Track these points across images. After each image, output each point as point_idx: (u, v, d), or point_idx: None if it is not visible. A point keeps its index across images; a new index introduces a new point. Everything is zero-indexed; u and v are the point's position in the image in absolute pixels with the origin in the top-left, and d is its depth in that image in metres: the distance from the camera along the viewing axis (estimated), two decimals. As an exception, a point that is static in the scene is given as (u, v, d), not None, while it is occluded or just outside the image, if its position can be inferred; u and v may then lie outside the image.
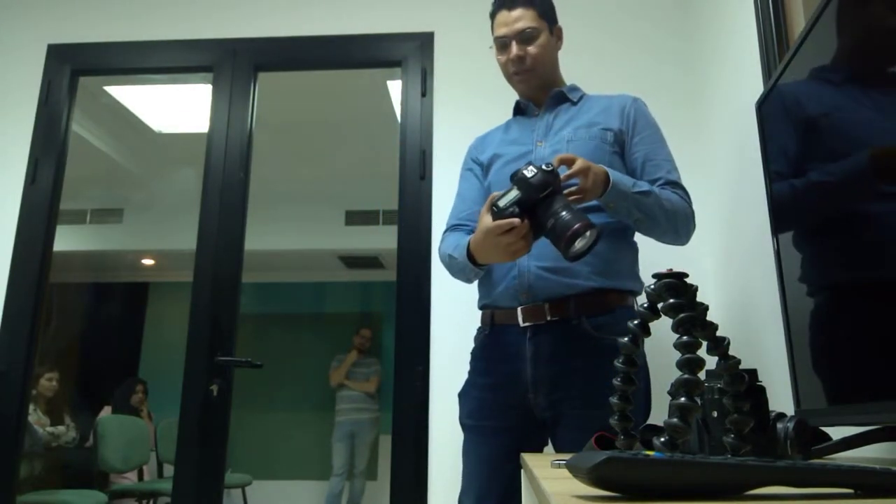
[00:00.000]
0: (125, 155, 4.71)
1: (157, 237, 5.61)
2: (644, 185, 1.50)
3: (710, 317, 0.79)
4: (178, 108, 3.90)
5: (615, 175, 1.44)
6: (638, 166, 1.59)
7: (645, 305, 0.84)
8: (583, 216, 1.27)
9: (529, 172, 1.31)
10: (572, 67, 1.73)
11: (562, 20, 1.74)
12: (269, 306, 6.52)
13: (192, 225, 2.43)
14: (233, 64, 2.57)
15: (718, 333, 0.80)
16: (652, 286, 0.82)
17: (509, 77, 1.72)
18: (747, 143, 1.79)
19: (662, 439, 0.73)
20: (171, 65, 2.67)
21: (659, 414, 1.10)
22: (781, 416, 0.91)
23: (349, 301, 6.69)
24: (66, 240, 3.50)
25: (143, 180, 5.21)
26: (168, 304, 6.62)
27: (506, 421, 1.54)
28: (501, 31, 1.66)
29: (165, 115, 4.01)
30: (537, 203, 1.31)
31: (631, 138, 1.62)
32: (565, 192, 1.35)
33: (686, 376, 0.74)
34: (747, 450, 0.79)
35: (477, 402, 1.58)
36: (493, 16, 1.70)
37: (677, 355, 0.75)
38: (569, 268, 1.47)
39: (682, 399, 0.73)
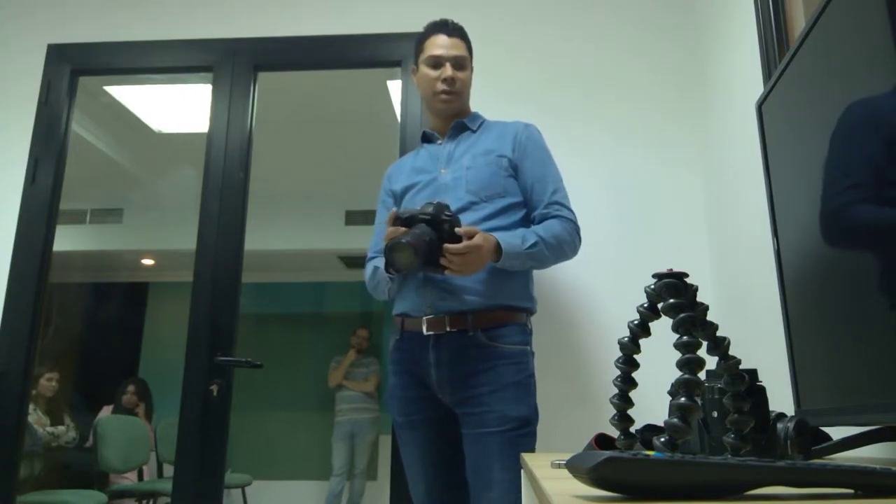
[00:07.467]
0: (125, 155, 4.71)
1: (157, 237, 5.60)
2: (531, 238, 1.67)
3: (710, 317, 0.79)
4: (177, 108, 3.90)
5: (506, 243, 1.63)
6: (528, 187, 1.79)
7: (645, 305, 0.84)
8: (409, 235, 1.51)
9: (424, 206, 1.60)
10: (572, 59, 1.74)
11: (565, 13, 1.75)
12: (269, 306, 6.52)
13: (192, 225, 2.43)
14: (233, 64, 2.57)
15: (718, 333, 0.80)
16: (652, 286, 0.82)
17: (434, 94, 1.84)
18: (747, 143, 1.79)
19: (662, 439, 0.73)
20: (171, 65, 2.66)
21: (659, 414, 1.10)
22: (781, 416, 0.91)
23: (349, 301, 6.68)
24: (66, 240, 3.49)
25: (143, 180, 5.20)
26: (168, 304, 6.61)
27: (430, 412, 1.70)
28: (438, 52, 1.83)
29: (165, 115, 4.01)
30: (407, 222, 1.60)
31: (522, 161, 1.80)
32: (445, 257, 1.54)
33: (686, 376, 0.74)
34: (747, 450, 0.79)
35: (401, 401, 1.73)
36: (426, 37, 1.86)
37: (677, 355, 0.75)
38: (466, 287, 1.65)
39: (682, 399, 0.73)
